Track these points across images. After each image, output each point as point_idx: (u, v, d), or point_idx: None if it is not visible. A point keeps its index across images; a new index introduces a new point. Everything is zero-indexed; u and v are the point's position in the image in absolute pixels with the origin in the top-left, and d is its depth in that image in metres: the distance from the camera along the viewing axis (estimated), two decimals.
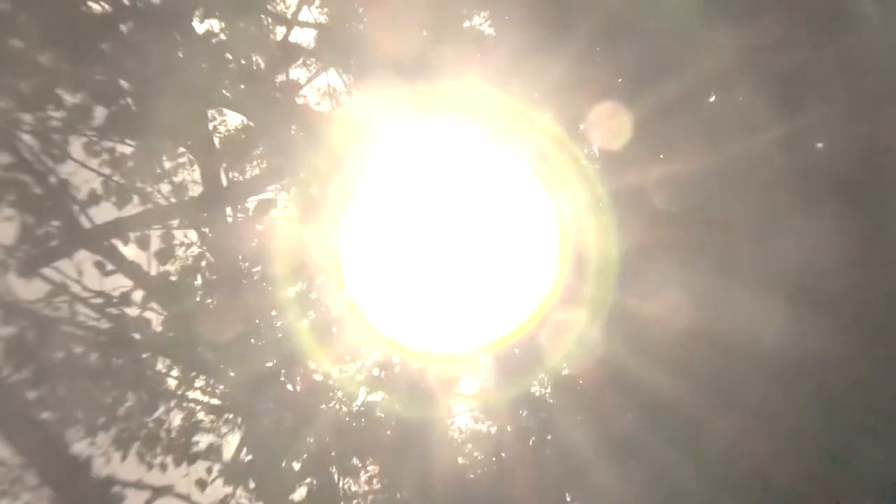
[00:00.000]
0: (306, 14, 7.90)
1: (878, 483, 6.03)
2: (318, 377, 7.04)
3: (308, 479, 6.74)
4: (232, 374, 6.90)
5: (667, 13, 6.09)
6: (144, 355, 7.03)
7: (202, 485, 7.03)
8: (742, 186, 6.16)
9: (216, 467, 7.06)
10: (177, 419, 7.27)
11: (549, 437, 6.70)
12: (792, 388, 6.02)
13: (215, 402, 7.27)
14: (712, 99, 6.31)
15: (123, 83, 6.80)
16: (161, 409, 7.15)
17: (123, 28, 6.73)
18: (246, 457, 6.91)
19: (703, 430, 6.05)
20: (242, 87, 7.05)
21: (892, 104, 6.20)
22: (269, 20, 7.66)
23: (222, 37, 6.98)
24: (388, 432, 6.80)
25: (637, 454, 6.17)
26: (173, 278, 7.17)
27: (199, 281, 7.27)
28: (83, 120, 6.96)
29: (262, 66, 7.25)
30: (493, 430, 7.27)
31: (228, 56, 6.91)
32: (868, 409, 6.14)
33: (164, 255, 7.20)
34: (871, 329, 6.12)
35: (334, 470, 6.80)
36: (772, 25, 6.21)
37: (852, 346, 5.96)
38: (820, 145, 6.12)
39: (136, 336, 6.92)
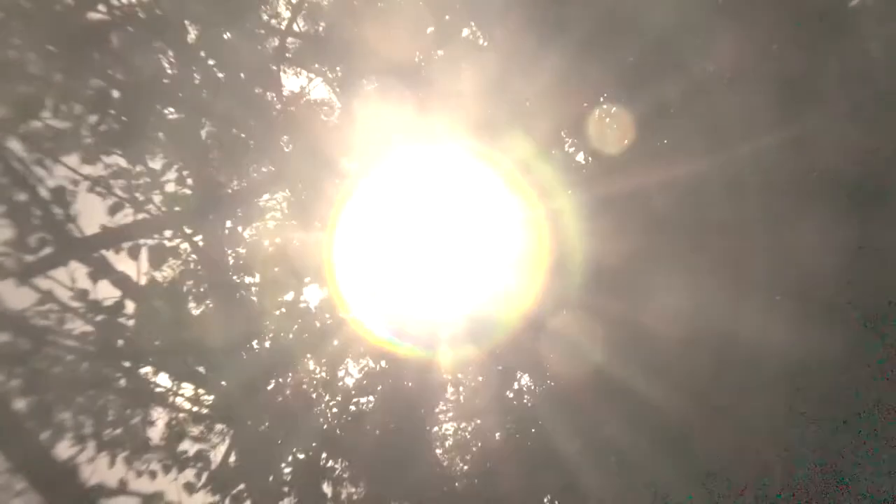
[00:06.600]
0: (298, 22, 7.90)
1: (877, 496, 5.99)
2: (306, 384, 7.01)
3: (296, 486, 6.71)
4: (222, 382, 6.88)
5: (664, 16, 6.08)
6: (132, 364, 7.00)
7: (190, 489, 6.97)
8: (740, 191, 6.13)
9: (204, 475, 7.03)
10: (164, 426, 7.27)
11: (538, 443, 6.66)
12: (789, 398, 5.98)
13: (204, 410, 7.25)
14: (710, 102, 6.28)
15: (115, 93, 6.82)
16: (149, 416, 7.14)
17: (114, 38, 6.75)
18: (234, 463, 6.90)
19: (699, 439, 6.00)
20: (233, 96, 7.05)
21: (892, 108, 6.18)
22: (261, 31, 7.67)
23: (213, 46, 7.01)
24: (376, 437, 6.76)
25: (630, 463, 6.13)
26: (163, 287, 7.15)
27: (189, 290, 7.25)
28: (75, 130, 6.96)
29: (252, 75, 7.26)
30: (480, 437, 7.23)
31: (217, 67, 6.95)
32: (866, 421, 6.10)
33: (155, 264, 7.19)
34: (872, 336, 6.09)
35: (322, 476, 6.76)
36: (771, 29, 6.21)
37: (853, 354, 5.92)
38: (819, 149, 6.08)
39: (125, 344, 6.91)
